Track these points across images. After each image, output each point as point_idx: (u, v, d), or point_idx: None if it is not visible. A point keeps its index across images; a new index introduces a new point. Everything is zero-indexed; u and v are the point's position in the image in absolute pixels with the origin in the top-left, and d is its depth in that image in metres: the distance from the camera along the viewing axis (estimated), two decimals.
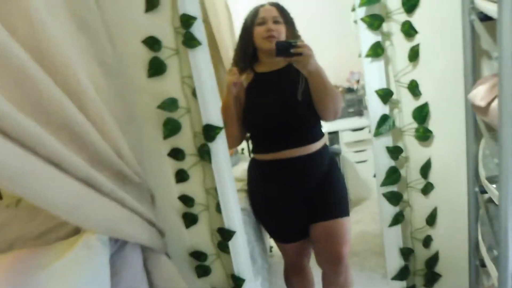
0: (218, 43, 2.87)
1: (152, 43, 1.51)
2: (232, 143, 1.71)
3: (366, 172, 3.38)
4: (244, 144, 3.09)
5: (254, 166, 1.77)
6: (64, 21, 1.18)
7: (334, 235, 1.61)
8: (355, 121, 3.44)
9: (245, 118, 1.65)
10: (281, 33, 1.59)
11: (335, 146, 3.38)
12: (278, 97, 1.60)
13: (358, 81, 3.48)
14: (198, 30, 1.47)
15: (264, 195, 1.72)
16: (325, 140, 1.69)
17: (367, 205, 3.39)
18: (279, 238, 1.80)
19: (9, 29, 0.92)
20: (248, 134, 1.77)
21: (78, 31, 1.25)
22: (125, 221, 1.24)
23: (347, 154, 3.47)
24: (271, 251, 2.75)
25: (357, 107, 3.53)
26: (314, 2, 3.34)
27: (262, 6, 1.63)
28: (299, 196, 1.65)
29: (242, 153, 3.26)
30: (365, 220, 3.11)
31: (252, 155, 1.78)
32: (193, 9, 1.45)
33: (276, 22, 1.59)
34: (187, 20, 1.45)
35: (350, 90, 3.51)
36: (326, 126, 1.64)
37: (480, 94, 1.17)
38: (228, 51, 2.98)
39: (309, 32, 1.69)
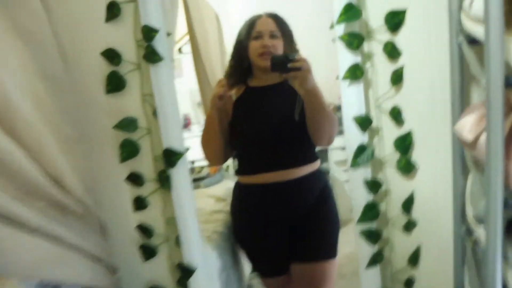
0: (203, 58, 2.73)
1: (111, 56, 1.37)
2: (215, 161, 1.59)
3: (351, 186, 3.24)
4: (229, 161, 2.95)
5: (237, 190, 1.62)
6: (1, 32, 1.04)
7: (315, 280, 1.47)
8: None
9: (231, 133, 1.51)
10: (278, 48, 1.46)
11: (324, 165, 3.25)
12: (268, 113, 1.47)
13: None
14: (161, 43, 1.34)
15: (246, 223, 1.57)
16: (318, 164, 1.54)
17: (354, 226, 3.23)
18: (260, 270, 1.64)
19: None
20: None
21: (20, 42, 1.11)
22: (58, 261, 1.08)
23: (336, 173, 3.35)
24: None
25: None
26: (306, 16, 3.23)
27: (259, 17, 1.49)
28: (283, 227, 1.50)
29: (227, 170, 3.11)
30: (353, 242, 2.94)
31: (236, 178, 1.62)
32: (155, 21, 1.32)
33: (273, 36, 1.46)
34: (148, 33, 1.31)
35: (340, 108, 3.40)
36: None
37: (467, 126, 1.03)
38: (215, 66, 2.86)
39: (300, 47, 1.55)
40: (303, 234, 1.49)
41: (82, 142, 1.31)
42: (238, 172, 1.58)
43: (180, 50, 3.50)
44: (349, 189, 1.40)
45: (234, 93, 1.55)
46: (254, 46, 1.46)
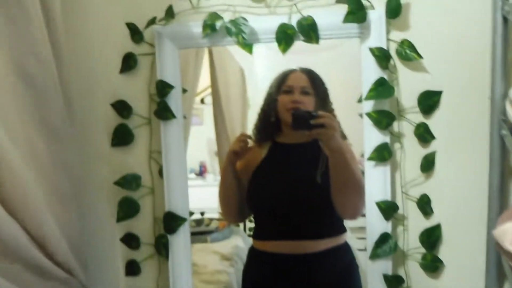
0: (224, 109, 2.68)
1: (121, 108, 1.29)
2: (231, 218, 1.55)
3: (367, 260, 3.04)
4: None
5: (250, 255, 1.47)
6: (1, 72, 0.97)
7: None
8: None
9: (249, 191, 1.39)
10: (308, 106, 1.34)
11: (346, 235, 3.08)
12: (293, 174, 1.35)
13: None
14: (174, 100, 1.26)
15: None
16: (344, 238, 1.39)
17: None
18: None
19: None
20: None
21: (20, 83, 1.03)
22: None
23: (350, 240, 3.15)
24: None
25: None
26: (333, 80, 3.19)
27: (292, 72, 1.40)
28: None
29: (238, 225, 2.97)
30: None
31: (252, 243, 1.47)
32: (172, 77, 1.25)
33: (304, 92, 1.35)
34: (163, 88, 1.24)
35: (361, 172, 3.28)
36: None
37: (510, 235, 0.89)
38: (235, 118, 2.80)
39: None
40: None
41: (77, 198, 1.20)
42: (254, 235, 1.45)
43: (202, 100, 3.48)
44: (367, 281, 1.23)
45: (258, 150, 1.45)
46: (283, 101, 1.36)
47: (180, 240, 1.29)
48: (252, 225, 1.50)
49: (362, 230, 3.19)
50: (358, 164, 1.32)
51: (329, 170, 1.24)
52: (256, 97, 1.56)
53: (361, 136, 1.24)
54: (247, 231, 2.73)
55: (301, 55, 1.34)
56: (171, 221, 1.27)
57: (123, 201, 1.30)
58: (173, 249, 1.29)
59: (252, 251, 1.45)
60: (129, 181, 1.29)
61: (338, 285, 1.33)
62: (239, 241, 2.75)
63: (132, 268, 1.35)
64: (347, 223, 3.21)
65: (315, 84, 1.38)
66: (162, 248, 1.30)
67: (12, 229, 0.93)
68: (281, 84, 1.39)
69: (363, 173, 1.25)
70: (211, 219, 2.99)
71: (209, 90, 2.92)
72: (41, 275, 1.04)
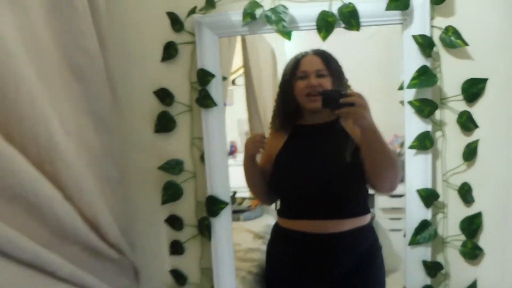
0: (256, 91, 2.69)
1: (163, 95, 1.33)
2: (264, 202, 1.56)
3: (399, 241, 3.04)
4: None
5: (274, 232, 1.49)
6: (54, 66, 1.02)
7: None
8: None
9: (274, 176, 1.39)
10: (326, 87, 1.32)
11: (370, 215, 3.09)
12: (316, 154, 1.34)
13: (401, 146, 3.22)
14: (215, 89, 1.28)
15: (278, 271, 1.43)
16: (368, 218, 1.37)
17: (396, 277, 3.02)
18: None
19: None
20: None
21: (70, 77, 1.08)
22: None
23: (381, 220, 3.16)
24: None
25: None
26: (358, 55, 3.11)
27: (304, 56, 1.37)
28: (318, 285, 1.34)
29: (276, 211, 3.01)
30: None
31: (276, 218, 1.49)
32: (212, 65, 1.27)
33: (320, 76, 1.33)
34: (203, 77, 1.26)
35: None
36: None
37: None
38: (267, 99, 2.80)
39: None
40: None
41: (124, 183, 1.26)
42: (279, 213, 1.46)
43: (233, 82, 3.49)
44: (404, 267, 1.25)
45: (279, 135, 1.45)
46: (299, 87, 1.34)
47: (222, 223, 1.34)
48: None
49: (395, 211, 3.19)
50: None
51: (362, 149, 1.23)
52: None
53: (392, 118, 1.22)
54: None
55: (332, 35, 1.29)
56: (213, 205, 1.32)
57: (167, 185, 1.35)
58: (215, 231, 1.34)
59: (276, 228, 1.47)
60: (173, 166, 1.34)
61: (361, 265, 1.32)
62: (271, 220, 2.79)
63: (176, 248, 1.41)
64: (380, 204, 3.22)
65: (329, 65, 1.35)
66: (205, 230, 1.35)
67: (70, 214, 0.99)
68: (295, 70, 1.37)
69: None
70: (243, 198, 3.05)
71: (240, 72, 2.93)
72: (96, 255, 1.11)
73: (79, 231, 1.03)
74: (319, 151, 1.34)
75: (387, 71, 3.21)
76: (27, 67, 0.88)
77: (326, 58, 1.35)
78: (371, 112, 1.15)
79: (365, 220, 1.36)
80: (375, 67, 3.24)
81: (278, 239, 1.46)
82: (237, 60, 2.64)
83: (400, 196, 3.14)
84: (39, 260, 0.88)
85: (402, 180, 3.16)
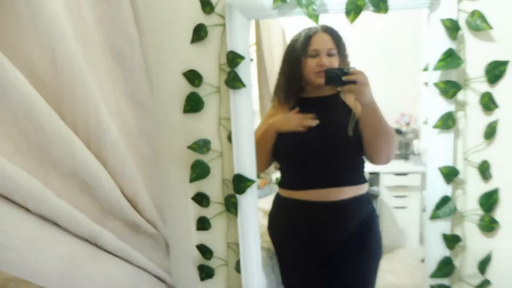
0: (268, 69, 2.72)
1: (193, 77, 1.36)
2: (261, 169, 1.54)
3: (404, 219, 3.16)
4: (278, 173, 2.93)
5: (276, 202, 1.57)
6: (98, 52, 1.05)
7: None
8: (400, 165, 3.21)
9: (279, 145, 1.46)
10: (334, 66, 1.40)
11: (374, 188, 3.17)
12: (321, 127, 1.40)
13: (408, 124, 3.29)
14: (244, 70, 1.32)
15: (281, 238, 1.53)
16: (365, 188, 1.46)
17: (401, 254, 3.14)
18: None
19: (23, 58, 0.79)
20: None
21: (113, 63, 1.11)
22: (129, 282, 1.08)
23: (386, 198, 3.26)
24: None
25: (404, 151, 3.32)
26: (367, 35, 3.14)
27: (315, 33, 1.40)
28: (319, 251, 1.43)
29: (276, 183, 3.08)
30: (397, 271, 2.84)
31: (278, 190, 1.58)
32: (242, 48, 1.30)
33: (330, 54, 1.39)
34: (233, 59, 1.30)
35: (398, 131, 3.32)
36: (368, 166, 1.41)
37: None
38: None
39: (359, 67, 1.47)
40: (339, 264, 1.42)
41: (156, 164, 1.31)
42: (281, 184, 1.53)
43: (251, 60, 3.49)
44: (425, 240, 1.32)
45: (283, 106, 1.51)
46: (310, 64, 1.39)
47: (248, 200, 1.40)
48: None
49: (399, 189, 3.26)
50: None
51: (361, 123, 1.31)
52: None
53: (399, 97, 1.25)
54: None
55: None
56: (240, 183, 1.37)
57: (195, 164, 1.40)
58: (242, 208, 1.40)
59: (278, 198, 1.55)
60: (201, 146, 1.39)
61: (358, 232, 1.40)
62: None
63: (203, 224, 1.47)
64: (385, 182, 3.29)
65: (339, 44, 1.41)
66: (231, 206, 1.41)
67: (115, 191, 1.04)
68: (306, 47, 1.40)
69: (399, 131, 1.30)
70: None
71: (253, 49, 2.95)
72: (136, 230, 1.17)
73: (122, 207, 1.08)
74: (321, 122, 1.40)
75: (397, 52, 3.26)
76: (78, 53, 0.91)
77: (335, 37, 1.40)
78: (371, 89, 1.21)
79: (363, 189, 1.43)
80: (385, 48, 3.28)
81: (280, 207, 1.53)
82: (251, 38, 2.66)
83: (405, 174, 3.23)
84: (93, 235, 0.94)
85: (407, 158, 3.23)
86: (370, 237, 1.44)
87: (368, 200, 1.46)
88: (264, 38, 2.62)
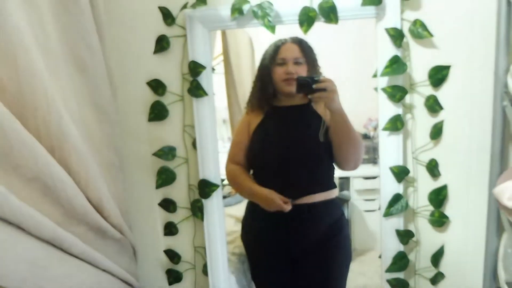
0: (235, 79, 2.78)
1: (156, 86, 1.41)
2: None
3: (374, 222, 3.24)
4: None
5: (249, 205, 1.59)
6: (60, 61, 1.09)
7: None
8: (368, 169, 3.30)
9: (250, 150, 1.50)
10: (301, 74, 1.44)
11: (345, 192, 3.24)
12: (289, 133, 1.45)
13: (375, 129, 3.38)
14: (206, 79, 1.38)
15: (253, 241, 1.55)
16: (335, 193, 1.50)
17: (372, 256, 3.21)
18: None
19: None
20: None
21: (75, 71, 1.16)
22: (94, 285, 1.11)
23: (356, 202, 3.34)
24: None
25: (372, 155, 3.40)
26: (334, 44, 3.24)
27: (283, 43, 1.46)
28: (288, 254, 1.46)
29: None
30: (368, 273, 2.90)
31: None
32: (203, 57, 1.36)
33: (297, 63, 1.44)
34: (195, 68, 1.36)
35: (366, 136, 3.41)
36: (338, 171, 1.47)
37: (508, 192, 1.03)
38: (246, 87, 2.89)
39: (327, 74, 1.54)
40: (308, 267, 1.45)
41: (122, 168, 1.34)
42: None
43: (213, 69, 3.55)
44: (380, 236, 1.39)
45: (255, 114, 1.54)
46: (278, 72, 1.45)
47: (213, 204, 1.44)
48: None
49: (369, 192, 3.34)
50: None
51: (330, 129, 1.37)
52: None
53: (366, 103, 1.31)
54: None
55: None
56: (206, 187, 1.42)
57: (161, 170, 1.44)
58: (208, 212, 1.45)
59: (249, 203, 1.57)
60: (166, 152, 1.43)
61: (329, 235, 1.44)
62: None
63: (170, 229, 1.51)
64: (355, 186, 3.37)
65: (306, 53, 1.47)
66: (197, 211, 1.45)
67: (79, 196, 1.07)
68: (275, 56, 1.46)
69: (367, 136, 1.36)
70: (223, 185, 3.14)
71: (219, 59, 3.01)
72: (101, 234, 1.20)
73: (87, 212, 1.11)
74: (293, 130, 1.46)
75: (361, 59, 3.36)
76: (39, 61, 0.95)
77: (303, 47, 1.46)
78: (341, 97, 1.28)
79: (333, 194, 1.48)
80: (350, 55, 3.39)
81: (252, 212, 1.55)
82: (216, 48, 2.71)
83: (374, 178, 3.32)
84: (56, 237, 0.97)
85: (376, 162, 3.32)
86: (338, 240, 1.48)
87: (337, 204, 1.51)
88: (231, 48, 2.69)
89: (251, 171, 1.58)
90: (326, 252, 1.43)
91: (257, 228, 1.52)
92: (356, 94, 3.16)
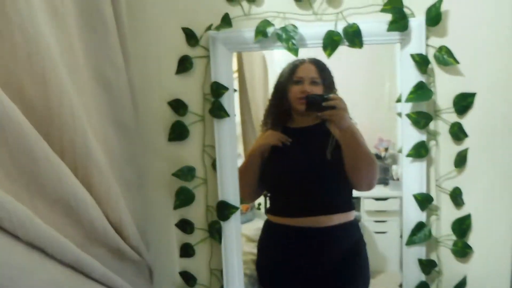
0: (249, 96, 2.79)
1: (177, 106, 1.41)
2: (248, 198, 1.62)
3: (385, 244, 3.18)
4: (261, 199, 2.95)
5: (266, 227, 1.60)
6: (85, 79, 1.10)
7: None
8: (380, 190, 3.26)
9: (265, 174, 1.51)
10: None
11: (355, 213, 3.21)
12: (304, 154, 1.46)
13: (386, 149, 3.35)
14: (228, 100, 1.37)
15: (270, 263, 1.53)
16: (353, 215, 1.50)
17: (382, 278, 3.15)
18: None
19: (15, 88, 0.83)
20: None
21: (99, 90, 1.16)
22: None
23: (367, 223, 3.29)
24: None
25: (383, 176, 3.37)
26: (346, 64, 3.25)
27: (301, 63, 1.49)
28: (307, 277, 1.44)
29: (259, 208, 3.09)
30: None
31: (266, 216, 1.61)
32: (225, 79, 1.36)
33: (313, 83, 1.46)
34: (217, 89, 1.35)
35: (377, 157, 3.38)
36: None
37: None
38: (259, 104, 2.90)
39: (339, 94, 1.54)
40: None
41: (141, 187, 1.33)
42: (270, 211, 1.57)
43: (235, 90, 3.56)
44: (403, 266, 1.36)
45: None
46: (294, 91, 1.47)
47: (232, 226, 1.43)
48: None
49: (380, 214, 3.31)
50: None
51: (342, 149, 1.36)
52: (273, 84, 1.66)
53: (377, 122, 1.31)
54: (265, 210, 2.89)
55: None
56: (224, 209, 1.41)
57: (180, 191, 1.43)
58: (225, 234, 1.43)
59: (267, 225, 1.58)
60: (185, 173, 1.42)
61: (347, 259, 1.43)
62: (262, 224, 2.88)
63: (187, 251, 1.49)
64: (366, 207, 3.34)
65: (323, 74, 1.49)
66: (215, 233, 1.43)
67: (100, 217, 1.06)
68: (292, 75, 1.49)
69: (378, 157, 1.36)
70: None
71: (234, 76, 3.03)
72: (120, 256, 1.18)
73: (107, 234, 1.10)
74: (307, 151, 1.46)
75: (374, 79, 3.37)
76: (67, 80, 0.96)
77: (320, 67, 1.49)
78: (352, 115, 1.27)
79: (350, 216, 1.47)
80: (363, 75, 3.39)
81: (269, 233, 1.56)
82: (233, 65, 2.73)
83: (385, 199, 3.29)
84: (78, 262, 0.95)
85: (387, 183, 3.28)
86: (358, 263, 1.46)
87: (356, 226, 1.50)
88: (246, 66, 2.71)
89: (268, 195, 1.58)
90: (344, 275, 1.41)
91: (276, 249, 1.50)
92: (367, 114, 3.16)
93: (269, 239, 1.56)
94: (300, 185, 1.43)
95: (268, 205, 1.62)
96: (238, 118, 2.89)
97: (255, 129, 2.84)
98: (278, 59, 3.35)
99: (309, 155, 1.45)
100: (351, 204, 1.49)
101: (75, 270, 0.95)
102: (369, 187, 1.42)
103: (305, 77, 1.46)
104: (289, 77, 1.50)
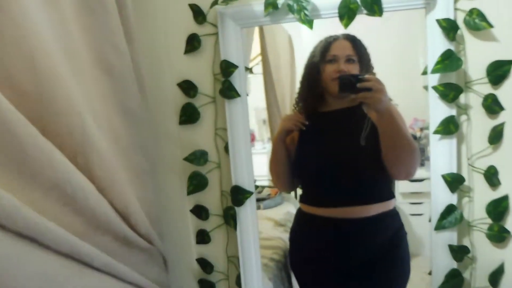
0: (274, 79, 2.71)
1: (187, 87, 1.35)
2: (283, 188, 1.57)
3: (421, 226, 3.06)
4: None
5: (298, 217, 1.49)
6: (85, 64, 1.05)
7: None
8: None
9: (296, 163, 1.41)
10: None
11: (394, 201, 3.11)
12: (338, 140, 1.34)
13: (421, 129, 3.20)
14: (238, 79, 1.29)
15: (304, 255, 1.45)
16: (393, 203, 1.38)
17: (417, 262, 3.02)
18: None
19: (1, 73, 0.79)
20: None
21: (101, 75, 1.10)
22: None
23: (402, 205, 3.16)
24: None
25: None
26: (377, 38, 3.08)
27: (335, 39, 1.36)
28: (344, 269, 1.34)
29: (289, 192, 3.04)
30: (414, 280, 2.74)
31: (299, 204, 1.51)
32: (235, 56, 1.28)
33: (349, 60, 1.33)
34: (227, 68, 1.28)
35: (413, 137, 3.24)
36: None
37: None
38: (285, 87, 2.82)
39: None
40: (364, 283, 1.34)
41: (152, 174, 1.29)
42: (302, 200, 1.47)
43: (251, 70, 3.49)
44: (430, 252, 1.26)
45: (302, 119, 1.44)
46: (328, 70, 1.34)
47: (247, 212, 1.36)
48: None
49: (415, 195, 3.19)
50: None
51: (379, 133, 1.24)
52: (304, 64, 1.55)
53: (411, 102, 1.21)
54: (298, 198, 2.82)
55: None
56: (238, 194, 1.34)
57: (193, 176, 1.38)
58: (241, 220, 1.37)
59: (300, 214, 1.47)
60: (198, 157, 1.37)
61: (387, 250, 1.33)
62: (291, 208, 2.82)
63: (202, 237, 1.44)
64: (400, 189, 3.23)
65: (359, 51, 1.35)
66: (230, 219, 1.37)
67: (103, 204, 1.02)
68: (325, 53, 1.36)
69: (414, 137, 1.24)
70: (263, 187, 3.07)
71: (257, 60, 2.94)
72: (127, 245, 1.14)
73: (111, 221, 1.06)
74: (340, 136, 1.35)
75: (407, 54, 3.20)
76: (62, 65, 0.91)
77: (356, 44, 1.35)
78: (388, 96, 1.16)
79: (390, 205, 1.36)
80: (394, 50, 3.22)
81: (303, 224, 1.46)
82: (254, 48, 2.65)
83: (421, 180, 3.16)
84: (75, 251, 0.91)
85: (423, 164, 3.15)
86: (397, 255, 1.36)
87: (396, 215, 1.38)
88: (270, 47, 2.61)
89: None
90: (384, 267, 1.32)
91: (309, 240, 1.41)
92: (400, 92, 3.00)
93: (301, 230, 1.47)
94: (331, 173, 1.32)
95: (301, 194, 1.51)
96: (262, 103, 2.83)
97: (281, 113, 2.76)
98: (307, 40, 3.24)
99: (342, 140, 1.34)
100: (391, 192, 1.37)
101: (74, 259, 0.92)
102: (408, 176, 1.29)
103: (340, 55, 1.33)
104: (321, 56, 1.36)
